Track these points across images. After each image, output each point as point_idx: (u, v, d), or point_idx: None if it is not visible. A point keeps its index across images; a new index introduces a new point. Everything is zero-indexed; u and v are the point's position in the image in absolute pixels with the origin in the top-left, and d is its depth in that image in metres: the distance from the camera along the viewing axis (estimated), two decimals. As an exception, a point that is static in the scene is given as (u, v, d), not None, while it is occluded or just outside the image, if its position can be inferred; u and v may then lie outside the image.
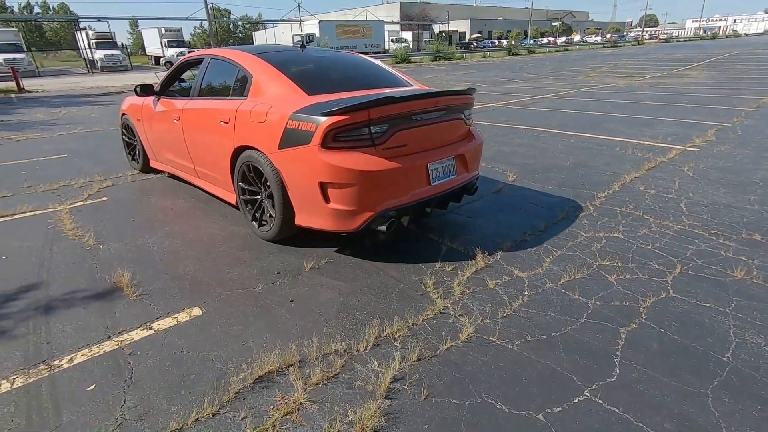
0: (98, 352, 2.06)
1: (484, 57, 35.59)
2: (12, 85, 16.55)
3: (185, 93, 3.99)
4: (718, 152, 5.42)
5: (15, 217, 3.79)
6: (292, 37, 36.59)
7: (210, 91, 3.64)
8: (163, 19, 37.17)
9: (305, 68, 3.33)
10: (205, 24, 36.20)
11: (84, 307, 2.42)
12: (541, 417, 1.67)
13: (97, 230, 3.47)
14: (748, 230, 3.23)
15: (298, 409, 1.71)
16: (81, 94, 15.01)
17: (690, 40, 69.09)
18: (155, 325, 2.25)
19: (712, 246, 3.01)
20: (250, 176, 3.13)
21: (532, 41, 52.96)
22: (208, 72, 3.67)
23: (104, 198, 4.26)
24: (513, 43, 41.30)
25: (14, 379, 1.90)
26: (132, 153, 5.17)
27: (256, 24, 67.69)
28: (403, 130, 2.72)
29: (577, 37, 67.69)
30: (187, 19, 39.66)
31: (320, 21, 37.16)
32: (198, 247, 3.18)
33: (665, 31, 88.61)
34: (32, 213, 3.87)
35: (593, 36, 70.75)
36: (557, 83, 14.51)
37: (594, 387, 1.81)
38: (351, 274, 2.75)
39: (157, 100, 4.25)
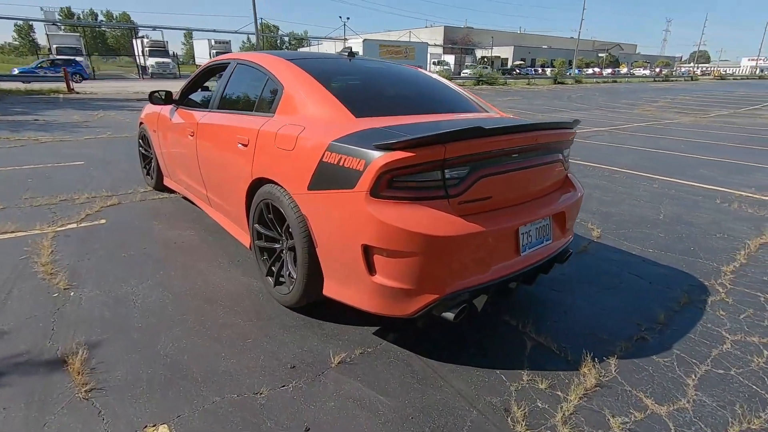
0: None
1: (528, 84, 34.52)
2: (63, 86, 16.99)
3: (206, 104, 3.29)
4: None
5: (-7, 237, 3.16)
6: (336, 55, 36.84)
7: (232, 104, 2.92)
8: (215, 31, 38.58)
9: (352, 82, 2.56)
10: (253, 38, 37.10)
11: (4, 406, 1.65)
12: None
13: (76, 267, 2.76)
14: None
15: None
16: (124, 99, 15.08)
17: (746, 79, 65.60)
18: (93, 460, 1.44)
19: None
20: (268, 218, 2.35)
21: (577, 71, 51.43)
22: (232, 80, 2.96)
23: (102, 221, 3.60)
24: (558, 71, 40.04)
25: None
26: (147, 167, 4.56)
27: (302, 41, 69.40)
28: (489, 176, 1.86)
29: (624, 70, 65.53)
30: (236, 32, 40.78)
31: (364, 39, 37.32)
32: (192, 305, 2.39)
33: (720, 68, 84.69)
34: (12, 234, 3.23)
35: (641, 69, 68.39)
36: (612, 116, 13.35)
37: None
38: (397, 379, 1.88)
39: (175, 110, 3.59)
